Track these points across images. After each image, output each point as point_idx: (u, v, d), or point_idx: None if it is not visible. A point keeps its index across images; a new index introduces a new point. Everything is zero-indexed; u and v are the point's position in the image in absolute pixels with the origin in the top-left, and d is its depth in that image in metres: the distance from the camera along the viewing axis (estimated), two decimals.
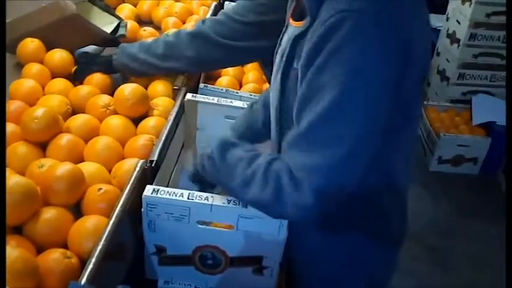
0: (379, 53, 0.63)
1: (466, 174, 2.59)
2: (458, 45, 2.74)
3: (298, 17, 0.79)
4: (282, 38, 0.85)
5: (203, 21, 1.22)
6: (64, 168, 0.90)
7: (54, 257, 0.78)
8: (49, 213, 0.86)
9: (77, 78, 1.27)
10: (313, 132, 0.66)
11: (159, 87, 1.26)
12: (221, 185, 0.84)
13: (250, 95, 1.33)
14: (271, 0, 1.09)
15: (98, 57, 1.33)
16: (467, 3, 2.66)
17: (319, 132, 0.66)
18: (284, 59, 0.77)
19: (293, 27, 0.79)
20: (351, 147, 0.65)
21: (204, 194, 0.84)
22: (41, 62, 1.30)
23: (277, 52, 0.86)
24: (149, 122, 1.14)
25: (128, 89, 1.15)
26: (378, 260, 0.93)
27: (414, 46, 0.67)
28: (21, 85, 1.19)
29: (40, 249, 0.83)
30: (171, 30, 1.60)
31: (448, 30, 2.90)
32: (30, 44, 1.33)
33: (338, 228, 0.86)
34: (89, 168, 0.97)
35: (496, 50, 2.69)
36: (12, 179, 0.83)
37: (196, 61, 1.18)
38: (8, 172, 0.89)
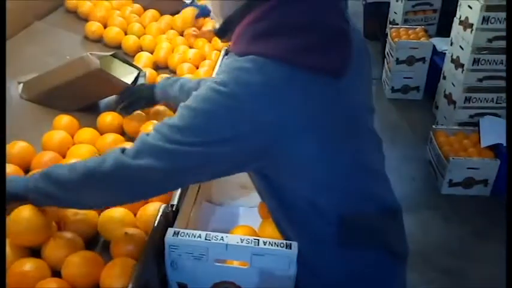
0: (220, 117, 0.78)
1: (478, 196, 2.62)
2: (463, 70, 2.81)
3: None
4: None
5: None
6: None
7: None
8: (80, 257, 0.97)
9: (126, 112, 1.44)
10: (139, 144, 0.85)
11: None
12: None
13: None
14: None
15: (141, 92, 1.46)
16: (468, 30, 2.75)
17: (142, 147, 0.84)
18: None
19: None
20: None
21: (220, 235, 0.93)
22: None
23: None
24: None
25: None
26: (390, 276, 0.99)
27: (263, 126, 0.78)
28: (53, 136, 1.32)
29: None
30: (187, 75, 1.73)
31: (452, 55, 2.99)
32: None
33: (356, 244, 0.94)
34: (116, 213, 1.08)
35: (499, 73, 2.75)
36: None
37: None
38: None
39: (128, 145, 1.28)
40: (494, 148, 2.62)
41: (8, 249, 0.97)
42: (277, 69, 0.77)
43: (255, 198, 1.33)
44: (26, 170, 1.21)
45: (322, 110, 0.82)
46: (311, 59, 0.78)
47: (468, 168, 2.57)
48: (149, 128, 1.37)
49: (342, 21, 0.84)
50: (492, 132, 2.68)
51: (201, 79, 1.36)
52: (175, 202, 1.08)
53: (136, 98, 1.43)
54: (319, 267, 0.97)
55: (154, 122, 1.41)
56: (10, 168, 1.16)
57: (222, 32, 0.90)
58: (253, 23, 0.80)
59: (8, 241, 0.99)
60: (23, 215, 0.98)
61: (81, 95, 1.48)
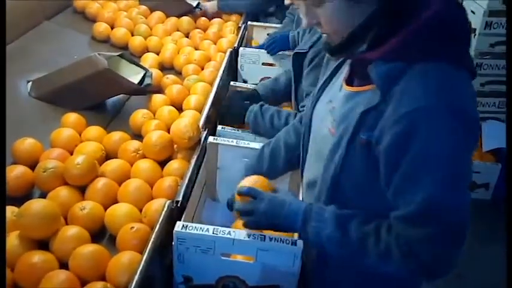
0: (459, 137, 0.74)
1: (479, 200, 2.63)
2: None
3: (351, 81, 0.88)
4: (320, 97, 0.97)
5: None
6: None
7: None
8: (87, 250, 0.99)
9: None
10: (427, 211, 0.77)
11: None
12: (346, 255, 0.89)
13: None
14: None
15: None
16: (471, 35, 2.77)
17: (432, 212, 0.77)
18: (351, 129, 0.81)
19: (347, 91, 0.87)
20: (462, 217, 0.78)
21: (227, 229, 0.95)
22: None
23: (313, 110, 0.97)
24: (174, 164, 1.27)
25: (155, 136, 1.29)
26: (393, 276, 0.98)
27: (476, 116, 0.77)
28: (61, 133, 1.34)
29: (82, 282, 0.95)
30: (192, 76, 1.76)
31: None
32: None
33: None
34: (122, 208, 1.11)
35: (502, 78, 2.76)
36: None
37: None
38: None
39: (134, 143, 1.32)
40: (496, 152, 2.63)
41: (17, 242, 0.99)
42: (459, 73, 0.77)
43: None
44: (34, 166, 1.23)
45: None
46: (470, 62, 0.81)
47: None
48: (151, 125, 1.39)
49: None
50: (494, 136, 2.69)
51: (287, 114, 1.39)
52: (180, 198, 1.09)
53: (226, 113, 1.47)
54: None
55: (157, 121, 1.44)
56: (18, 169, 1.18)
57: (348, 45, 0.83)
58: (421, 31, 0.77)
59: (17, 234, 1.01)
60: (33, 208, 1.00)
61: (88, 94, 1.51)
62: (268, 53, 1.85)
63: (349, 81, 0.89)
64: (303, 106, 1.38)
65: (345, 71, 0.93)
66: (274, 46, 1.84)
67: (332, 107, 0.91)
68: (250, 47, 2.02)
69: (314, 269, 1.00)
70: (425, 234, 0.77)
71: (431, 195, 0.75)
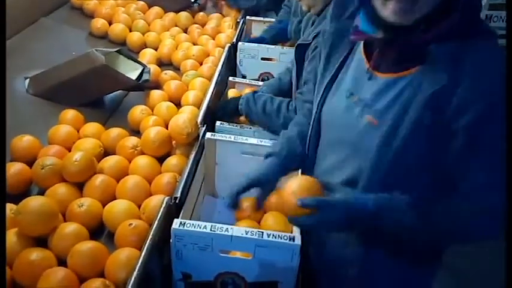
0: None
1: None
2: None
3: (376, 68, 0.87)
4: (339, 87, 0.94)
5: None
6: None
7: (95, 286, 0.90)
8: (86, 247, 0.99)
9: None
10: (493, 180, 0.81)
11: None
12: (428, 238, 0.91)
13: (264, 129, 1.46)
14: None
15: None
16: None
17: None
18: (415, 114, 0.80)
19: (385, 78, 0.85)
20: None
21: (225, 226, 0.95)
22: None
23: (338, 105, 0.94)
24: (172, 161, 1.26)
25: (154, 132, 1.28)
26: (395, 278, 0.99)
27: None
28: (59, 130, 1.33)
29: (81, 279, 0.95)
30: (190, 72, 1.75)
31: None
32: None
33: (360, 243, 0.95)
34: (120, 205, 1.10)
35: None
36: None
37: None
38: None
39: (132, 139, 1.32)
40: None
41: (15, 239, 0.99)
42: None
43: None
44: (32, 163, 1.23)
45: None
46: None
47: None
48: (149, 122, 1.39)
49: None
50: None
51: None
52: (178, 195, 1.09)
53: (223, 113, 1.50)
54: None
55: (155, 117, 1.43)
56: (16, 166, 1.18)
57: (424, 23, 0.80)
58: (468, 10, 0.80)
59: (15, 231, 1.01)
60: (31, 205, 1.00)
61: (86, 90, 1.50)
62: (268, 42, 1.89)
63: (376, 69, 0.87)
64: (300, 92, 1.37)
65: (360, 61, 0.91)
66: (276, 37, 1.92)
67: (357, 99, 0.89)
68: (250, 40, 2.01)
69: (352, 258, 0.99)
70: (498, 201, 0.80)
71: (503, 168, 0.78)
